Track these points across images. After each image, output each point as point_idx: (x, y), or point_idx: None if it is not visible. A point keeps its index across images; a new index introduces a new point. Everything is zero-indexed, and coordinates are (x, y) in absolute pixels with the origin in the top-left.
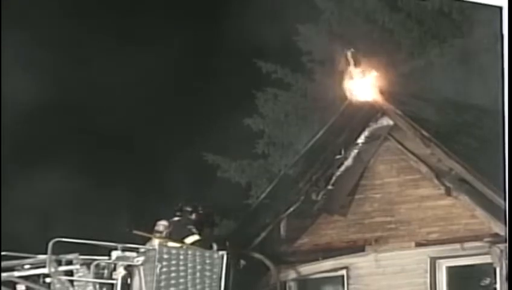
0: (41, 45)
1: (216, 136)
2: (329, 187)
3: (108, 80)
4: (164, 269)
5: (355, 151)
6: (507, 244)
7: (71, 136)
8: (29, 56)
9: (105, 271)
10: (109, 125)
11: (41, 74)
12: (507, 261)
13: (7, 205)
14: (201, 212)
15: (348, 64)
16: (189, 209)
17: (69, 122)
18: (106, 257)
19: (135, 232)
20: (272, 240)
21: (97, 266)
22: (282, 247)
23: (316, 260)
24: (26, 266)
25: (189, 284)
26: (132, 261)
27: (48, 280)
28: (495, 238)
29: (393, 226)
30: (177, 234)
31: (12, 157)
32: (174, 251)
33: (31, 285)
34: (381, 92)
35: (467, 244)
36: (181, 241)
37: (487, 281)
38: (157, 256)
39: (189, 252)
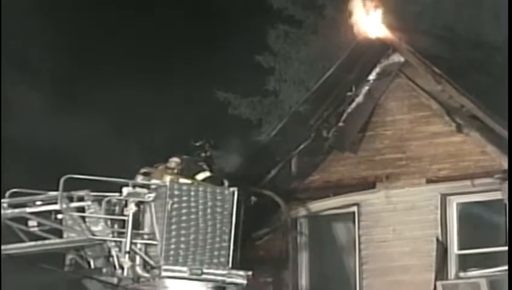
0: None
1: (227, 73)
2: (340, 124)
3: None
4: (175, 205)
5: (366, 88)
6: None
7: (90, 72)
8: None
9: (117, 207)
10: (122, 62)
11: None
12: None
13: (18, 141)
14: (211, 149)
15: (360, 0)
16: (200, 146)
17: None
18: (117, 194)
19: (146, 168)
20: (282, 177)
21: (108, 202)
22: (293, 184)
23: (327, 196)
24: (38, 203)
25: (200, 221)
26: (143, 198)
27: (59, 216)
28: (506, 175)
29: (404, 162)
30: (188, 170)
31: (23, 93)
32: (185, 187)
33: (43, 221)
34: (392, 29)
35: (478, 181)
36: (192, 177)
37: None
38: (168, 192)
39: (200, 188)
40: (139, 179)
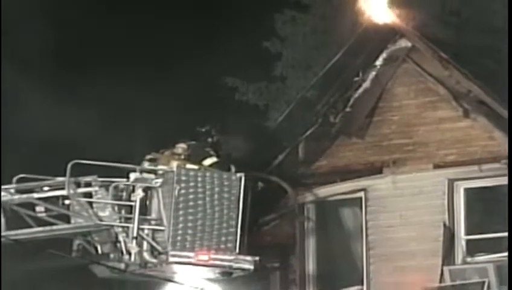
0: None
1: (234, 59)
2: (347, 109)
3: None
4: (182, 191)
5: (374, 73)
6: None
7: (91, 58)
8: None
9: (124, 193)
10: (127, 48)
11: None
12: None
13: (24, 128)
14: (218, 134)
15: None
16: (206, 131)
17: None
18: (125, 179)
19: (153, 154)
20: (289, 163)
21: (116, 187)
22: (300, 169)
23: (334, 182)
24: (45, 188)
25: (207, 206)
26: (150, 183)
27: (66, 201)
28: None
29: (411, 148)
30: (195, 156)
31: (29, 78)
32: (192, 173)
33: (50, 207)
34: (400, 14)
35: (485, 166)
36: (199, 163)
37: None
38: (175, 178)
39: (207, 174)
40: (146, 165)
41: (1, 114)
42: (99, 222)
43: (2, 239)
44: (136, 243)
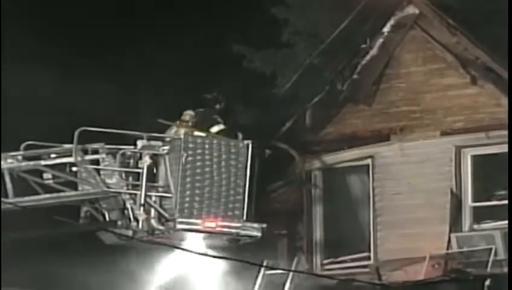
0: None
1: (241, 26)
2: (355, 76)
3: None
4: (190, 158)
5: (381, 40)
6: None
7: (93, 21)
8: None
9: (131, 160)
10: (132, 19)
11: None
12: None
13: (32, 94)
14: (225, 101)
15: None
16: (214, 99)
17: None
18: (132, 146)
19: (160, 120)
20: (297, 130)
21: (123, 155)
22: (308, 136)
23: (341, 149)
24: (53, 155)
25: (214, 173)
26: (158, 150)
27: (74, 168)
28: None
29: (418, 115)
30: (203, 123)
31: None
32: (199, 140)
33: (58, 174)
34: None
35: (492, 133)
36: (206, 130)
37: None
38: (182, 145)
39: (215, 141)
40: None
41: (1, 81)
42: (106, 189)
43: (10, 206)
44: (144, 210)
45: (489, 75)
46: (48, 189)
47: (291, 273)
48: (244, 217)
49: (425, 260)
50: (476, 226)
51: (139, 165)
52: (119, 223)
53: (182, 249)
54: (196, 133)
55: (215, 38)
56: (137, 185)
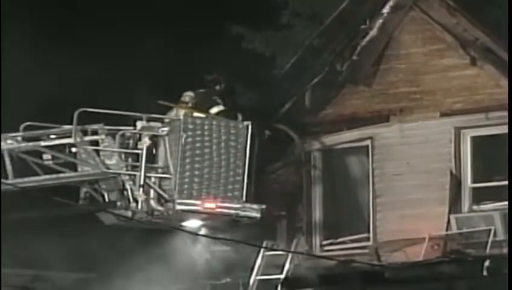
0: None
1: (240, 7)
2: (354, 57)
3: None
4: (189, 139)
5: (380, 21)
6: None
7: (92, 10)
8: None
9: (131, 141)
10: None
11: None
12: None
13: (30, 76)
14: (224, 82)
15: None
16: (214, 80)
17: None
18: (131, 127)
19: (160, 102)
20: (296, 111)
21: (122, 136)
22: (307, 117)
23: (341, 130)
24: (52, 136)
25: (214, 154)
26: (157, 131)
27: (73, 149)
28: None
29: (418, 96)
30: (202, 104)
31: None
32: (199, 121)
33: (57, 154)
34: None
35: (492, 114)
36: (206, 111)
37: None
38: (182, 126)
39: (214, 122)
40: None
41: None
42: (106, 170)
43: (10, 187)
44: (143, 191)
45: (488, 56)
46: (48, 170)
47: (290, 254)
48: (244, 198)
49: (424, 241)
50: (475, 207)
51: (139, 146)
52: (119, 204)
53: (182, 229)
54: (196, 114)
55: (214, 19)
56: (137, 166)
